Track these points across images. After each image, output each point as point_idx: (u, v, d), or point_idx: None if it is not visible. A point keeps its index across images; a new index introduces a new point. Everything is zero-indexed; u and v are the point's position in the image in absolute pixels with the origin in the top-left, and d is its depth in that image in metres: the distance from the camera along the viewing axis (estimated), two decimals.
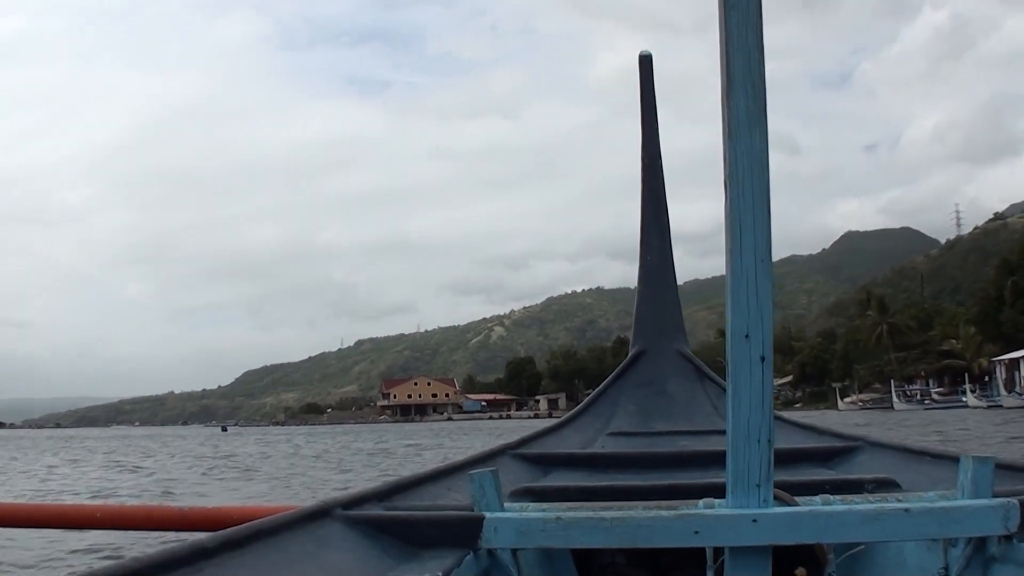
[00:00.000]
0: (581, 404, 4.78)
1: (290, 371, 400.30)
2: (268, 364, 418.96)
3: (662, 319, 4.90)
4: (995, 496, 1.93)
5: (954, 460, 2.25)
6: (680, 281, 5.25)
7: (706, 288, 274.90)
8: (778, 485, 1.85)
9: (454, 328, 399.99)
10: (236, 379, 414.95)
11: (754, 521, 1.78)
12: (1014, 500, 1.86)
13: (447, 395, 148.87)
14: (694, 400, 4.58)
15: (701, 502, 2.02)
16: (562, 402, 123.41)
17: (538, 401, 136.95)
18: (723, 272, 1.77)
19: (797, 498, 1.98)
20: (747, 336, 1.73)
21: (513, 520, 1.97)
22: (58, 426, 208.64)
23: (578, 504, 2.26)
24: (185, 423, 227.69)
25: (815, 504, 2.03)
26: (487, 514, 2.00)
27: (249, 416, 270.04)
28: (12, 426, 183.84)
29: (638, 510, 1.98)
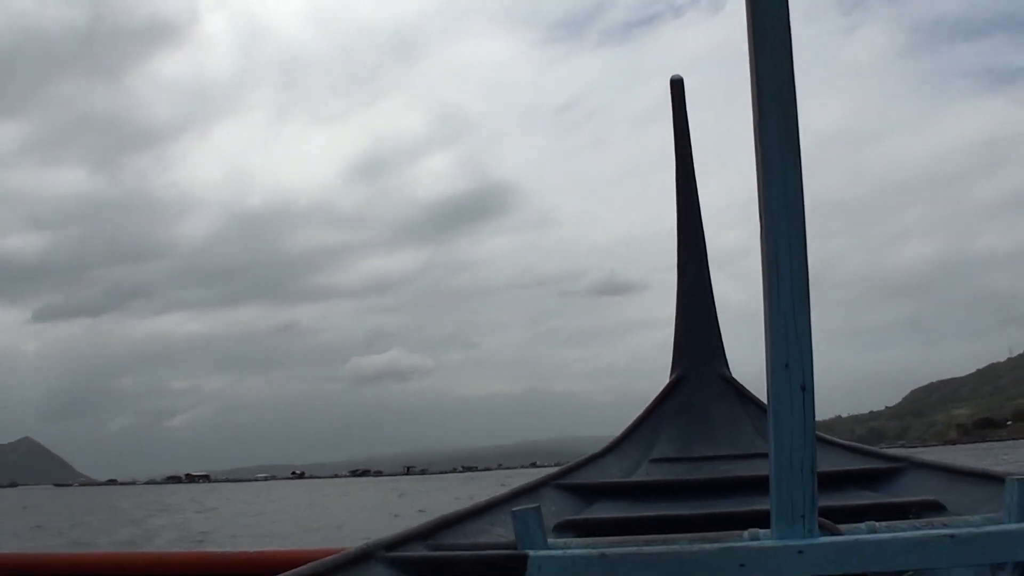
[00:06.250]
0: (623, 431, 4.73)
1: (957, 386, 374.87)
2: (934, 380, 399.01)
3: (701, 343, 4.83)
4: None
5: (1000, 481, 2.23)
6: None
7: None
8: (823, 511, 1.83)
9: None
10: (903, 398, 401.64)
11: (799, 552, 1.77)
12: None
13: None
14: (736, 423, 4.50)
15: (746, 533, 2.01)
16: None
17: None
18: None
19: (842, 526, 1.97)
20: (787, 366, 1.70)
21: (556, 558, 1.95)
22: None
23: (622, 538, 2.23)
24: None
25: (860, 532, 1.98)
26: (530, 552, 1.97)
27: (921, 435, 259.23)
28: None
29: (683, 543, 1.96)
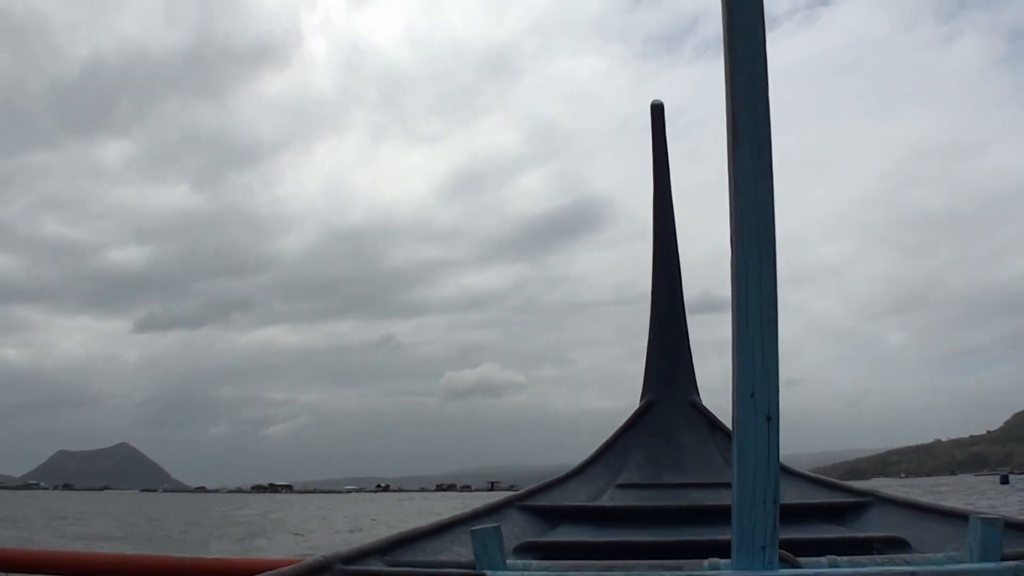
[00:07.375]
0: (591, 454, 4.70)
1: None
2: None
3: (673, 369, 4.80)
4: (1004, 559, 1.87)
5: (964, 519, 2.22)
6: None
7: None
8: (786, 543, 1.79)
9: None
10: (1006, 422, 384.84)
11: None
12: (1023, 564, 1.81)
13: None
14: (705, 452, 4.47)
15: (707, 562, 1.98)
16: None
17: None
18: None
19: (803, 559, 1.94)
20: (753, 395, 1.67)
21: None
22: None
23: (582, 563, 2.20)
24: (953, 472, 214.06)
25: (821, 566, 1.98)
26: (488, 572, 1.97)
27: None
28: None
29: (643, 570, 1.93)
